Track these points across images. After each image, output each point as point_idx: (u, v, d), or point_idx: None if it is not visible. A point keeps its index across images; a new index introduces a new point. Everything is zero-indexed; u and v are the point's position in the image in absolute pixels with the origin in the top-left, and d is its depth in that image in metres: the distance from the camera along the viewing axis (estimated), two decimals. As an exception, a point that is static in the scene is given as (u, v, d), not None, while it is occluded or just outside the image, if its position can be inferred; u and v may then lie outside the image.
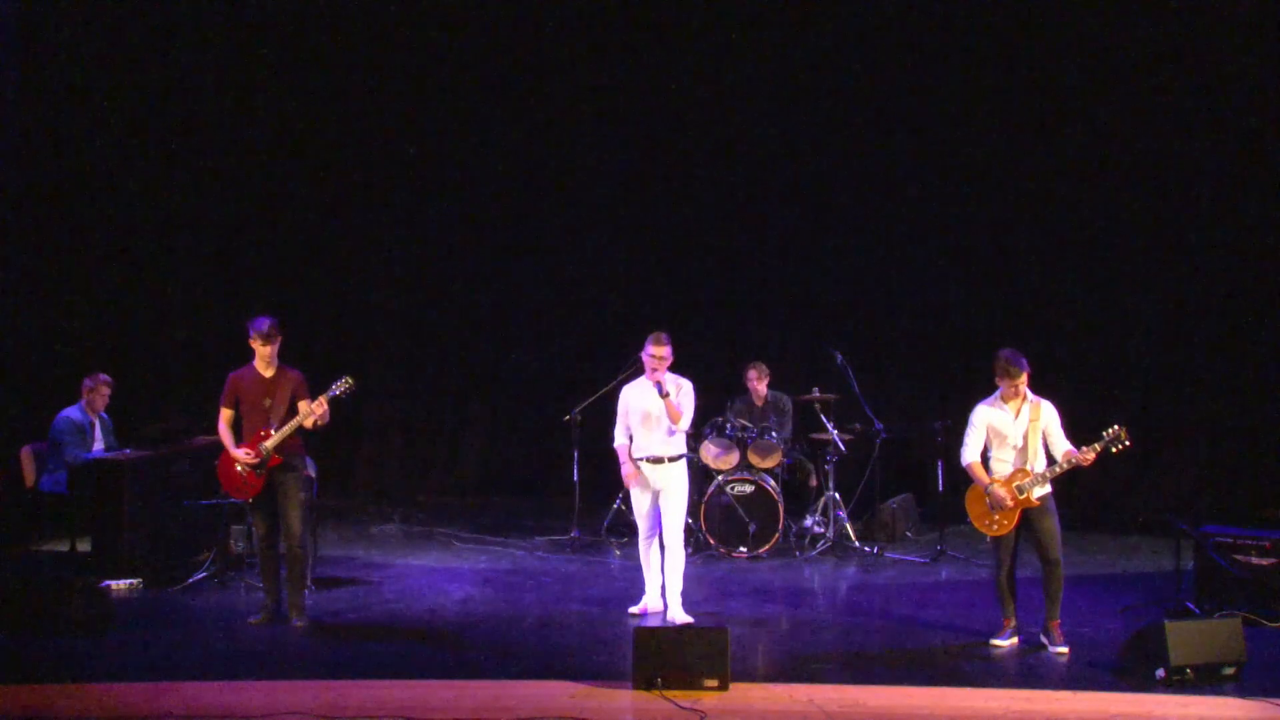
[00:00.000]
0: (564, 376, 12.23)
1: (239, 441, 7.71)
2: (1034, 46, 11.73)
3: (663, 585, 7.96)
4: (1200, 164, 11.58)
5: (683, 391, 7.80)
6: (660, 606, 7.99)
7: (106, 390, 9.62)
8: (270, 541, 7.81)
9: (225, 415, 7.75)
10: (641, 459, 7.86)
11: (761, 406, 10.50)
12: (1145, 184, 11.71)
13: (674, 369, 7.89)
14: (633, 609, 8.07)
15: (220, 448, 7.82)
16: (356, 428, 12.60)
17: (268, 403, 7.66)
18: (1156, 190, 11.71)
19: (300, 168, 12.43)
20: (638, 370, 8.13)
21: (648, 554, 8.01)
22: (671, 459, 7.83)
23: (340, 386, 7.69)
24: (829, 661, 7.11)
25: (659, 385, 7.70)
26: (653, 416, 7.79)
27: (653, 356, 7.73)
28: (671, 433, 7.80)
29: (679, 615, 7.84)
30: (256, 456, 7.62)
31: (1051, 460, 7.24)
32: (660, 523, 7.89)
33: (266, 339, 7.63)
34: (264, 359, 7.69)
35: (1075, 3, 11.64)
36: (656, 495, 7.87)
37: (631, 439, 7.92)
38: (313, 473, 8.92)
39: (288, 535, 7.73)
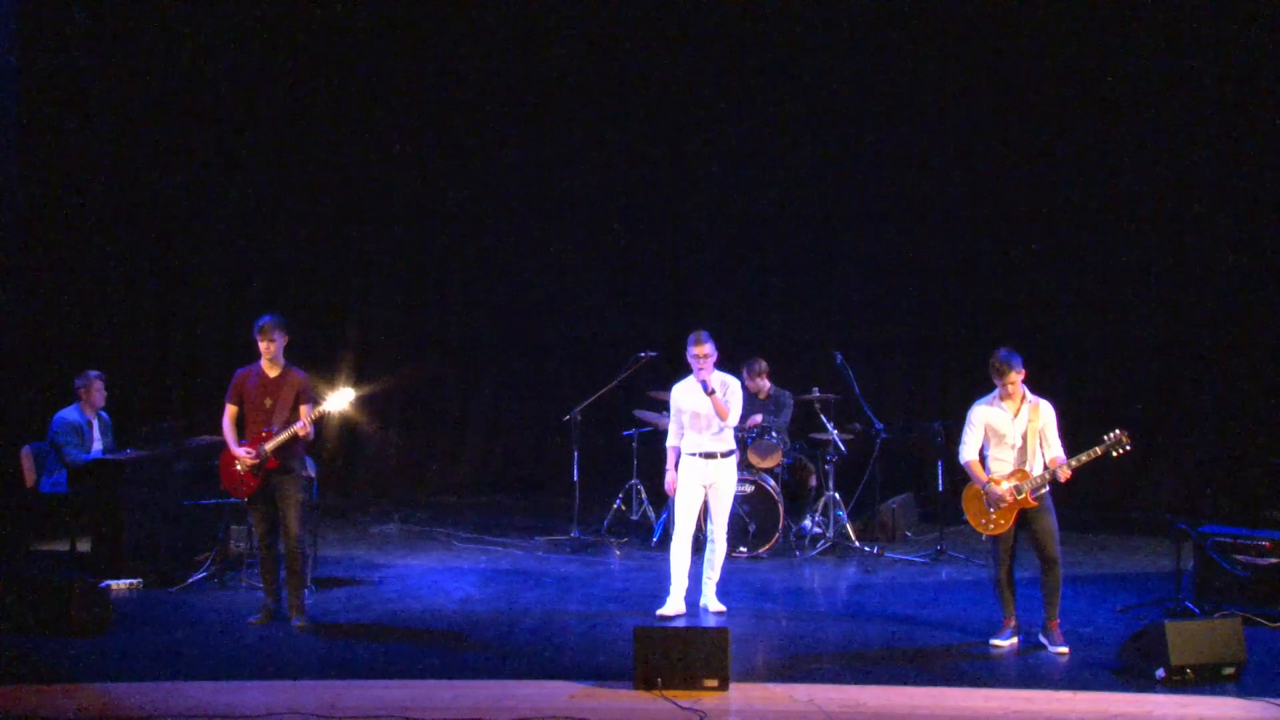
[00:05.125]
0: (564, 376, 12.23)
1: (241, 439, 7.73)
2: (1034, 46, 11.73)
3: (700, 582, 8.06)
4: (1200, 163, 11.58)
5: (729, 390, 7.94)
6: (684, 612, 7.98)
7: (100, 385, 9.55)
8: (269, 541, 7.81)
9: (230, 412, 7.78)
10: (695, 454, 7.97)
11: (764, 401, 10.50)
12: (1145, 183, 11.72)
13: (676, 367, 7.93)
14: (660, 611, 7.97)
15: (221, 446, 7.85)
16: (357, 428, 12.59)
17: (269, 403, 7.67)
18: (1156, 189, 11.72)
19: (301, 168, 12.42)
20: (643, 370, 8.15)
21: (681, 553, 7.98)
22: (724, 454, 7.98)
23: (342, 402, 7.71)
24: (829, 661, 7.11)
25: (704, 384, 7.82)
26: (702, 415, 7.93)
27: (695, 357, 7.86)
28: (721, 430, 7.95)
29: (714, 605, 8.04)
30: (256, 457, 7.63)
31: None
32: (708, 519, 8.05)
33: (263, 335, 7.65)
34: (267, 358, 7.71)
35: (1075, 4, 11.64)
36: (704, 492, 8.01)
37: (683, 436, 8.07)
38: (312, 473, 8.93)
39: (286, 536, 7.73)
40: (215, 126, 12.21)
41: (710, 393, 7.81)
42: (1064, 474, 7.10)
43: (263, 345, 7.68)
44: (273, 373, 7.74)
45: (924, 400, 12.06)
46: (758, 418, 10.20)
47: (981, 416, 7.36)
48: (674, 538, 8.00)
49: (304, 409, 7.68)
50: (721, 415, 7.87)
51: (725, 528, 8.08)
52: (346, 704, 6.26)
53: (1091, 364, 11.85)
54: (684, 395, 8.03)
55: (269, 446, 7.62)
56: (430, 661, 7.08)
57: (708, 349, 7.88)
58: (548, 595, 8.75)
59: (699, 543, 8.16)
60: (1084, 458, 7.11)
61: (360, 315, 12.76)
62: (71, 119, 11.60)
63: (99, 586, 7.95)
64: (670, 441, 8.15)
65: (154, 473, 9.16)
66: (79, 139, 11.66)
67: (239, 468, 7.71)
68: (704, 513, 8.11)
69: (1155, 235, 11.76)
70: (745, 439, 10.14)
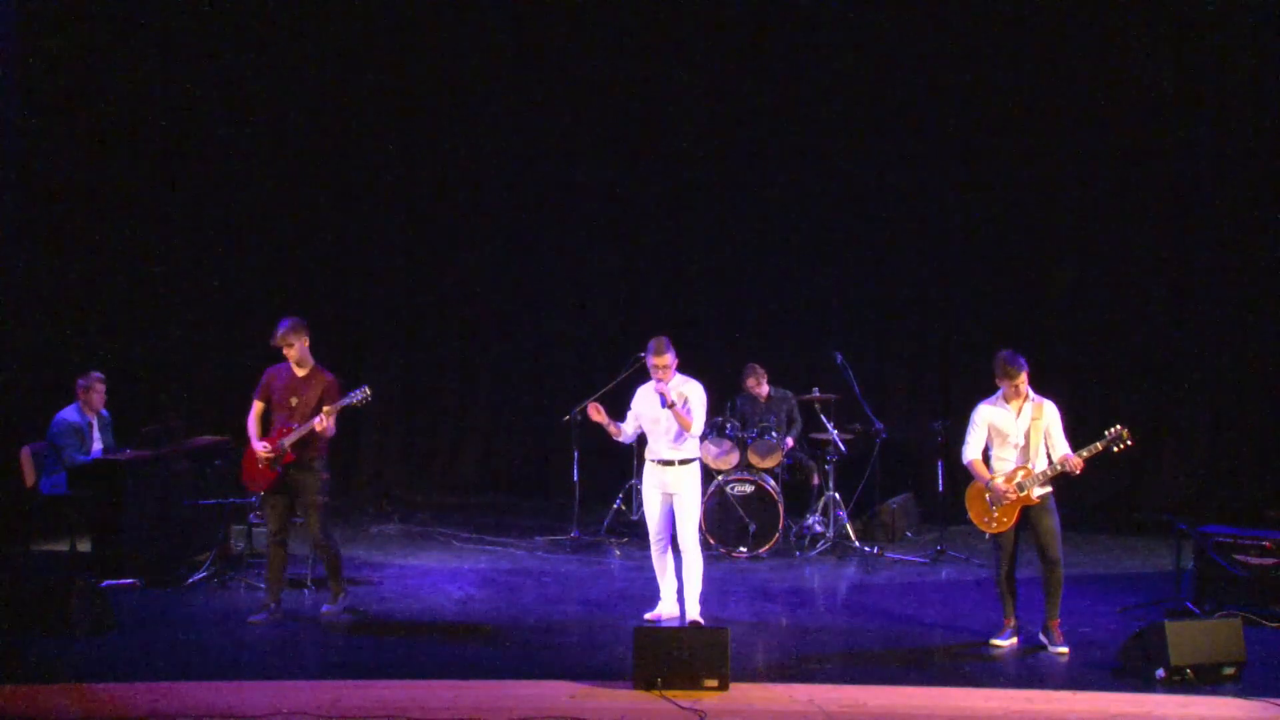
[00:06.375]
0: (564, 376, 12.23)
1: (264, 435, 7.83)
2: (1033, 45, 11.72)
3: (679, 589, 7.87)
4: (1200, 162, 11.58)
5: (691, 399, 7.62)
6: (676, 613, 7.89)
7: (101, 387, 9.60)
8: (280, 539, 7.89)
9: (256, 407, 7.90)
10: (653, 461, 7.73)
11: (765, 403, 10.51)
12: (1145, 183, 11.71)
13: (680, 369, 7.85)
14: (648, 615, 7.97)
15: (222, 446, 7.99)
16: (356, 428, 12.59)
17: (294, 401, 7.78)
18: (1156, 189, 11.71)
19: (301, 168, 12.41)
20: (642, 370, 8.08)
21: (660, 560, 7.90)
22: (682, 462, 7.68)
23: (358, 396, 7.79)
24: (829, 661, 7.12)
25: (662, 397, 7.54)
26: (660, 423, 7.67)
27: (654, 367, 7.59)
28: (680, 436, 7.65)
29: (697, 620, 7.77)
30: (273, 452, 7.72)
31: (1050, 461, 7.25)
32: (672, 527, 7.77)
33: (280, 343, 7.77)
34: (291, 361, 7.84)
35: (1075, 3, 11.64)
36: (668, 499, 7.74)
37: (644, 439, 7.88)
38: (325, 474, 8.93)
39: (311, 535, 7.93)
40: (215, 126, 12.19)
41: (669, 406, 7.52)
42: (1075, 463, 7.08)
43: (284, 352, 7.79)
44: (301, 372, 7.85)
45: (924, 400, 12.05)
46: (788, 442, 10.23)
47: (985, 416, 7.36)
48: (651, 545, 7.88)
49: (327, 408, 7.75)
50: (685, 427, 7.55)
51: (695, 538, 7.70)
52: (346, 704, 6.27)
53: (1091, 364, 11.83)
54: (644, 402, 7.75)
55: (287, 441, 7.71)
56: (430, 661, 7.09)
57: (668, 359, 7.56)
58: (548, 595, 8.75)
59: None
60: (1085, 453, 7.12)
61: (360, 314, 12.75)
62: (72, 118, 11.59)
63: (99, 586, 7.96)
64: (620, 424, 7.83)
65: (154, 473, 9.16)
66: (79, 138, 11.64)
67: (259, 462, 7.81)
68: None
69: (1155, 234, 11.74)
70: (745, 439, 10.15)
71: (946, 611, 8.26)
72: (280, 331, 7.76)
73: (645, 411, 7.75)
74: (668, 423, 7.64)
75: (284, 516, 7.86)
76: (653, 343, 7.66)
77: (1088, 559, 9.89)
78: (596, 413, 7.71)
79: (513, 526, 11.07)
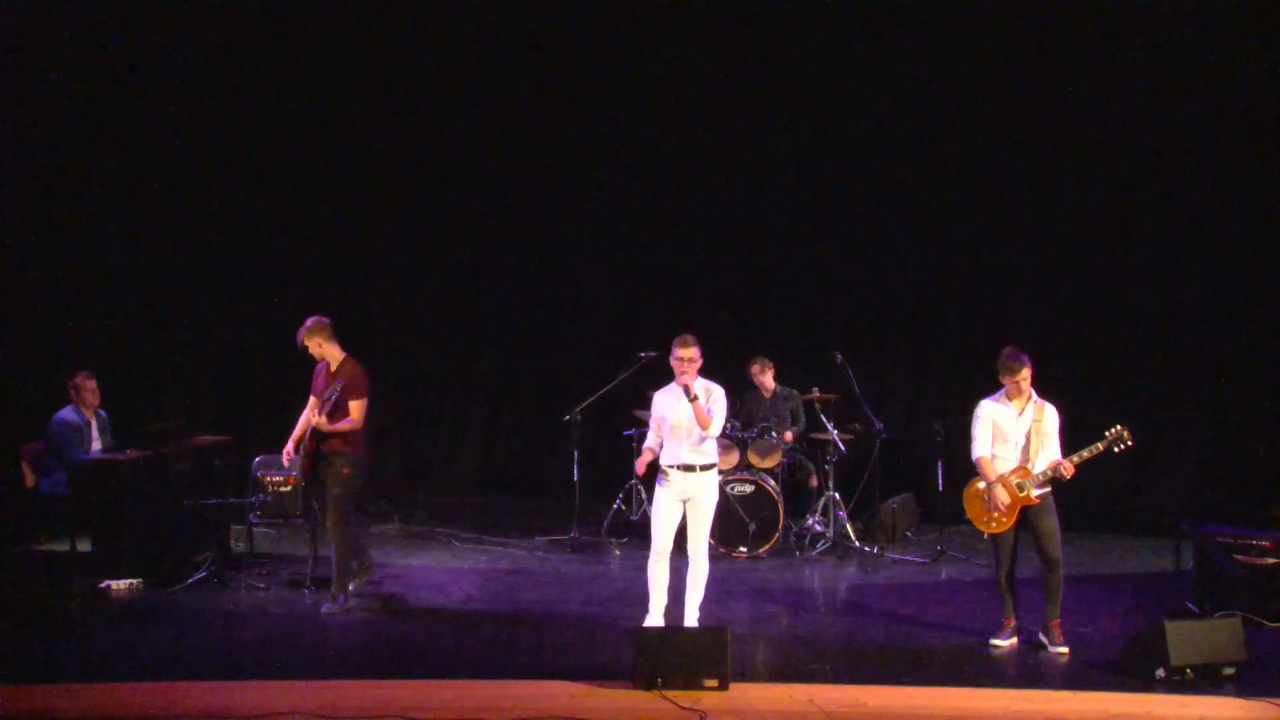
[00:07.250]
0: (564, 376, 12.23)
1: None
2: (1033, 45, 11.71)
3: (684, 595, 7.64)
4: (1199, 162, 11.57)
5: (713, 397, 7.45)
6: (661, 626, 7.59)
7: (91, 384, 9.59)
8: (322, 528, 8.22)
9: (310, 403, 8.20)
10: (673, 466, 7.46)
11: (771, 399, 10.52)
12: (1145, 183, 11.70)
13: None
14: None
15: (221, 445, 8.04)
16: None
17: (326, 394, 7.99)
18: (1156, 190, 11.70)
19: (301, 168, 12.40)
20: (643, 371, 8.05)
21: (656, 571, 7.56)
22: (703, 467, 7.45)
23: (329, 396, 7.95)
24: (829, 661, 7.11)
25: (686, 389, 7.35)
26: (682, 425, 7.46)
27: (679, 360, 7.37)
28: (702, 440, 7.42)
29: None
30: (294, 445, 8.06)
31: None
32: (678, 536, 7.55)
33: (299, 344, 8.07)
34: (315, 358, 8.13)
35: (1075, 2, 11.64)
36: (683, 505, 7.51)
37: (662, 445, 7.58)
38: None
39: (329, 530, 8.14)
40: (217, 125, 12.19)
41: (693, 399, 7.31)
42: (1067, 468, 7.10)
43: (307, 351, 8.12)
44: (334, 367, 8.11)
45: (924, 400, 12.05)
46: (789, 435, 10.22)
47: (987, 412, 7.36)
48: (652, 553, 7.56)
49: (352, 404, 7.96)
50: (703, 424, 7.31)
51: (705, 546, 7.51)
52: (346, 704, 6.27)
53: (1092, 364, 11.82)
54: (665, 403, 7.53)
55: (305, 435, 7.99)
56: (430, 661, 7.10)
57: (694, 353, 7.37)
58: (548, 595, 8.75)
59: (680, 546, 7.65)
60: (1085, 454, 7.12)
61: (360, 314, 12.73)
62: (71, 118, 11.59)
63: (99, 586, 7.96)
64: (648, 443, 7.66)
65: (154, 473, 9.16)
66: (79, 138, 11.64)
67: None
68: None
69: (1155, 234, 11.73)
70: (746, 439, 10.15)
71: (946, 611, 8.26)
72: (299, 334, 8.08)
73: (667, 414, 7.52)
74: (690, 423, 7.42)
75: (319, 504, 8.14)
76: (678, 337, 7.45)
77: (1088, 559, 9.89)
78: (644, 465, 7.57)
79: (513, 526, 11.07)
